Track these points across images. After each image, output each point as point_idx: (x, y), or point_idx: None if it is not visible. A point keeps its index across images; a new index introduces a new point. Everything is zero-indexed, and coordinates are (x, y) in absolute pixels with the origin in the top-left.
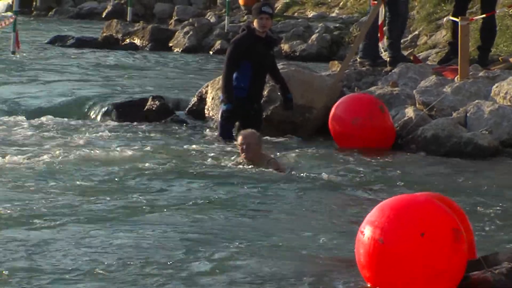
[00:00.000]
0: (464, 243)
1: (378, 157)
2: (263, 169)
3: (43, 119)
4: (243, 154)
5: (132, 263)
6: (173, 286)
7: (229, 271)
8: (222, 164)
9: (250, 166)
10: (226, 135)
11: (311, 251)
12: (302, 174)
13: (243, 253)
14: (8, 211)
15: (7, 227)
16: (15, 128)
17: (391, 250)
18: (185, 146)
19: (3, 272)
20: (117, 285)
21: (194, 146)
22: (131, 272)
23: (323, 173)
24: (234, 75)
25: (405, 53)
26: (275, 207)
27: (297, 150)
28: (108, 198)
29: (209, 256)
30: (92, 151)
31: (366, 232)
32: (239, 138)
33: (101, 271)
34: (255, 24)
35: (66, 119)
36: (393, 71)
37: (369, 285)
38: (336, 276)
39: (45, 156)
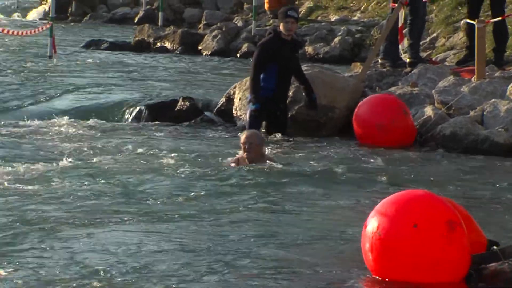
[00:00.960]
0: (461, 235)
1: (398, 154)
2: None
3: (80, 121)
4: (245, 153)
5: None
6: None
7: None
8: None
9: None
10: None
11: (324, 243)
12: (319, 169)
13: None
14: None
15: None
16: (53, 130)
17: (387, 242)
18: (211, 145)
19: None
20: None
21: (219, 145)
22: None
23: (340, 169)
24: (261, 76)
25: (424, 54)
26: (293, 202)
27: (320, 148)
28: (138, 199)
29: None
30: (125, 152)
31: (368, 226)
32: (243, 138)
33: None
34: (281, 27)
35: (100, 120)
36: (412, 72)
37: (375, 277)
38: (345, 267)
39: (83, 158)
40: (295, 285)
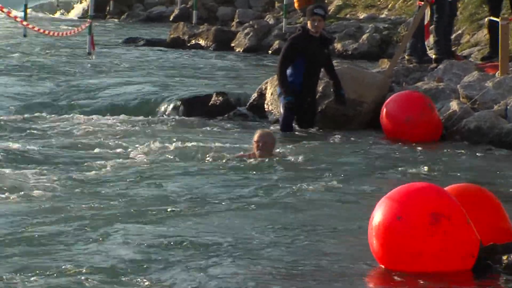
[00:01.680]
0: (448, 227)
1: (425, 147)
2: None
3: (120, 115)
4: (258, 151)
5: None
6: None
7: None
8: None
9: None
10: (288, 126)
11: (340, 233)
12: (346, 160)
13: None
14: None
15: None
16: (92, 124)
17: (377, 232)
18: (242, 139)
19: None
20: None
21: (250, 138)
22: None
23: (368, 162)
24: (289, 71)
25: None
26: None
27: (347, 141)
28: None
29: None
30: (157, 146)
31: (371, 218)
32: (257, 136)
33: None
34: (309, 25)
35: (138, 116)
36: (438, 67)
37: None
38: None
39: (118, 151)
40: (308, 277)
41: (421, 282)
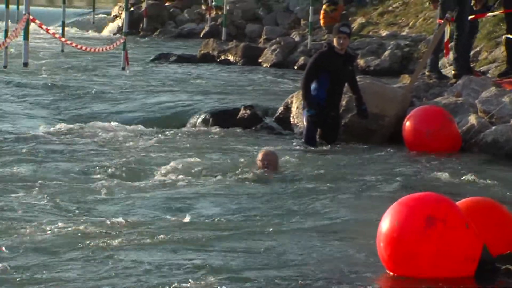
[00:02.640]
0: (441, 231)
1: (444, 159)
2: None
3: (149, 127)
4: (263, 169)
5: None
6: None
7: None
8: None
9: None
10: (311, 139)
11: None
12: (365, 172)
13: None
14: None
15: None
16: (125, 135)
17: (380, 239)
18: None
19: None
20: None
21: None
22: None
23: (387, 172)
24: (313, 86)
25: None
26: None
27: (368, 153)
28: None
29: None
30: (183, 156)
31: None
32: (261, 155)
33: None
34: (335, 42)
35: (169, 128)
36: (457, 83)
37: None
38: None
39: (147, 161)
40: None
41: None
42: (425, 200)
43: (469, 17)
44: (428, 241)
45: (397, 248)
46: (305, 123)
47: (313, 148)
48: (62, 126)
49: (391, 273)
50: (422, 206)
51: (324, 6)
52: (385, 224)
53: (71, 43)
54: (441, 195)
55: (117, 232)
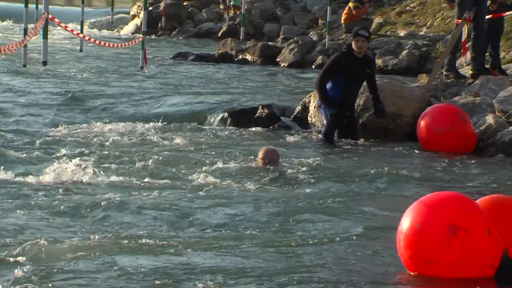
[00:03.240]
0: (463, 240)
1: (459, 159)
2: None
3: (168, 125)
4: (263, 167)
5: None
6: None
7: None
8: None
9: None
10: (330, 137)
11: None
12: (380, 171)
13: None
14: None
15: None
16: (143, 133)
17: (401, 239)
18: (287, 149)
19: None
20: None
21: (293, 148)
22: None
23: (403, 171)
24: (329, 85)
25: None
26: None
27: (383, 151)
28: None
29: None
30: (201, 154)
31: (399, 225)
32: (262, 153)
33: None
34: (353, 45)
35: (188, 125)
36: (475, 82)
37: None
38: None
39: (166, 157)
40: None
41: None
42: (448, 204)
43: (486, 17)
44: (449, 249)
45: (417, 251)
46: (324, 121)
47: (330, 145)
48: (79, 125)
49: (411, 273)
50: (444, 212)
51: (349, 4)
52: (406, 224)
53: (89, 39)
54: (464, 197)
55: (131, 234)
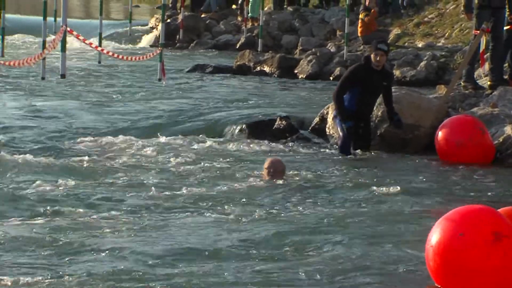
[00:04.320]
0: (507, 246)
1: (478, 170)
2: None
3: (186, 137)
4: (269, 177)
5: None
6: None
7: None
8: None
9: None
10: (346, 149)
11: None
12: (395, 181)
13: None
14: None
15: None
16: (163, 145)
17: (437, 251)
18: (304, 161)
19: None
20: None
21: (311, 160)
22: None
23: (421, 183)
24: (345, 97)
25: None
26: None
27: (401, 163)
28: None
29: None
30: (224, 169)
31: (428, 240)
32: (267, 163)
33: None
34: (372, 58)
35: (205, 139)
36: (493, 93)
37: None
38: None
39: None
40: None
41: None
42: (487, 214)
43: (505, 28)
44: (494, 256)
45: (460, 262)
46: (340, 133)
47: (347, 157)
48: (97, 138)
49: (439, 286)
50: (486, 221)
51: (360, 16)
52: (443, 236)
53: (107, 52)
54: (495, 209)
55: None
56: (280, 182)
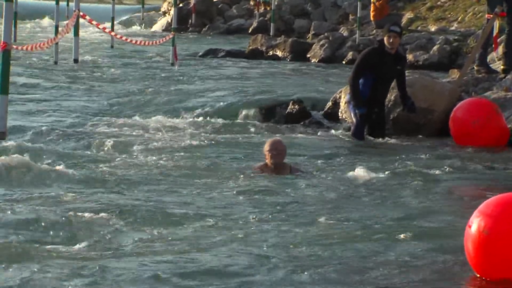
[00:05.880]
0: None
1: (491, 154)
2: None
3: (199, 120)
4: (271, 160)
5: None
6: None
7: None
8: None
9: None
10: (360, 133)
11: (424, 240)
12: (416, 169)
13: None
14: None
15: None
16: (176, 127)
17: (494, 241)
18: (319, 145)
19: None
20: None
21: (324, 144)
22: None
23: (436, 170)
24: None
25: None
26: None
27: (415, 146)
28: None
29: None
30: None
31: (473, 225)
32: (269, 145)
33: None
34: (385, 41)
35: (219, 120)
36: (506, 77)
37: (477, 275)
38: (445, 265)
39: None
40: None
41: None
42: None
43: None
44: None
45: (503, 252)
46: (353, 118)
47: (361, 142)
48: (113, 120)
49: (480, 276)
50: None
51: (372, 0)
52: (485, 226)
53: (120, 37)
54: None
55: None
56: (289, 172)
